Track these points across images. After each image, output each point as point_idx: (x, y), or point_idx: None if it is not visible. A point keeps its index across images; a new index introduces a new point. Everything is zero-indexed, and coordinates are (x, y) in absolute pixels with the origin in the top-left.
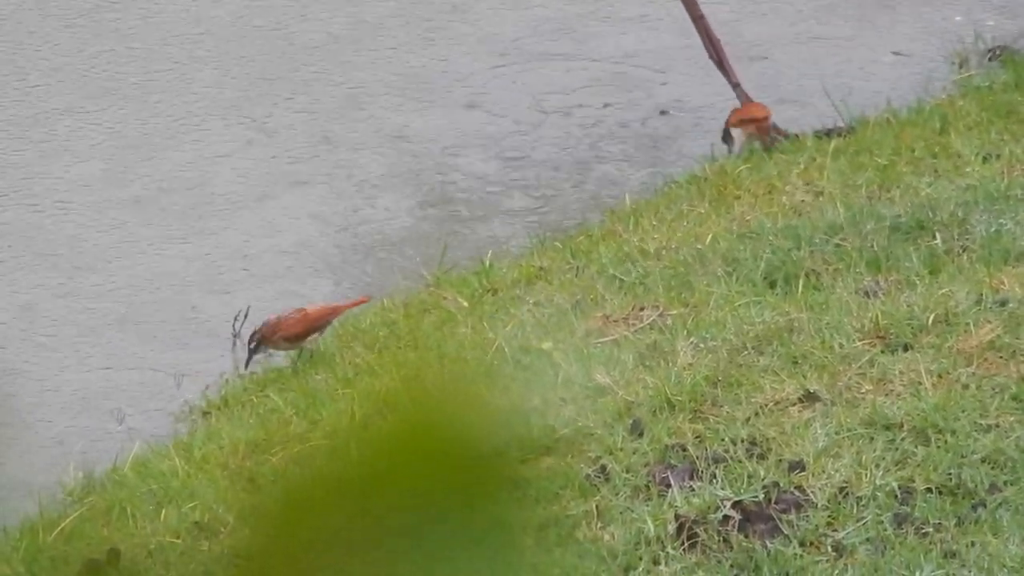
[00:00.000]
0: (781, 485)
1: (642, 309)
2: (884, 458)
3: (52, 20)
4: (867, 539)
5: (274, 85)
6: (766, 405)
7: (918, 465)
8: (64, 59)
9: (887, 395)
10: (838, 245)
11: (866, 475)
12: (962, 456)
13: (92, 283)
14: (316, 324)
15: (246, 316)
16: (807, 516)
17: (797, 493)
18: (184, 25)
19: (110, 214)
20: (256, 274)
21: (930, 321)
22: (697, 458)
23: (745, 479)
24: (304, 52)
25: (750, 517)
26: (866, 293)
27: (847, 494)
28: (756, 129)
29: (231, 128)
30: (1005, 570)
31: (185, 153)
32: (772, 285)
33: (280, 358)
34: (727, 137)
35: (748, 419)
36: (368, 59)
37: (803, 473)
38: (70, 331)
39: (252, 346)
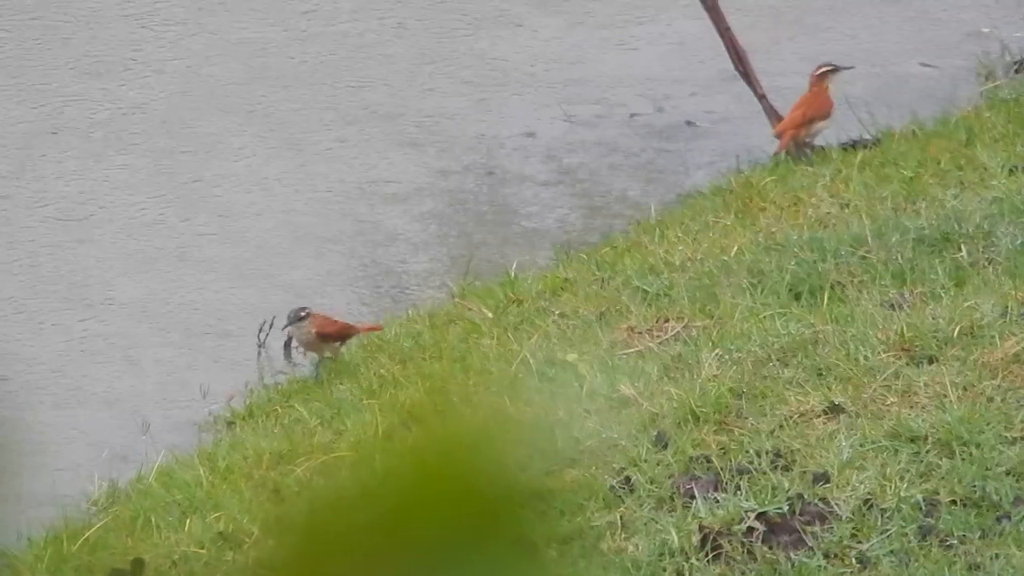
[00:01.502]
0: (805, 497)
1: (667, 321)
2: (909, 470)
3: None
4: (891, 551)
5: (293, 92)
6: (791, 417)
7: (943, 477)
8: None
9: (912, 407)
10: (863, 257)
11: (891, 487)
12: (987, 469)
13: (118, 293)
14: (346, 332)
15: (271, 326)
16: (831, 528)
17: (821, 505)
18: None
19: (138, 224)
20: (281, 284)
21: (955, 333)
22: (721, 470)
23: (769, 491)
24: (337, 59)
25: (774, 529)
26: (891, 305)
27: (872, 506)
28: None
29: (260, 138)
30: None
31: (214, 163)
32: (797, 297)
33: (304, 367)
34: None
35: (773, 431)
36: (387, 71)
37: (828, 485)
38: (96, 342)
39: (296, 316)
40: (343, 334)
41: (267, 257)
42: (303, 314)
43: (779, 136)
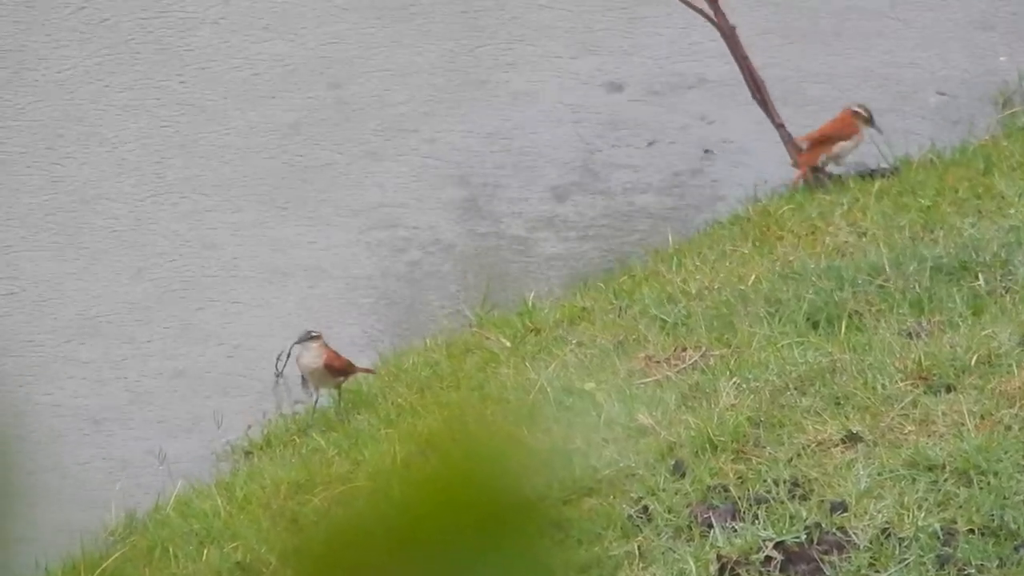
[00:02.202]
0: (823, 526)
1: (684, 350)
2: (926, 499)
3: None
4: None
5: (303, 115)
6: (808, 446)
7: (960, 506)
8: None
9: (929, 436)
10: (881, 286)
11: (908, 516)
12: (1005, 498)
13: (135, 323)
14: (348, 370)
15: (288, 356)
16: (849, 557)
17: (839, 534)
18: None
19: (156, 253)
20: (298, 313)
21: (973, 362)
22: (739, 499)
23: (787, 520)
24: (362, 93)
25: (792, 558)
26: (909, 334)
27: (889, 535)
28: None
29: (269, 163)
30: None
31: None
32: (815, 326)
33: (324, 399)
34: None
35: (790, 460)
36: (419, 97)
37: (845, 514)
38: (113, 372)
39: (307, 335)
40: (347, 371)
41: (285, 286)
42: (314, 333)
43: (797, 165)
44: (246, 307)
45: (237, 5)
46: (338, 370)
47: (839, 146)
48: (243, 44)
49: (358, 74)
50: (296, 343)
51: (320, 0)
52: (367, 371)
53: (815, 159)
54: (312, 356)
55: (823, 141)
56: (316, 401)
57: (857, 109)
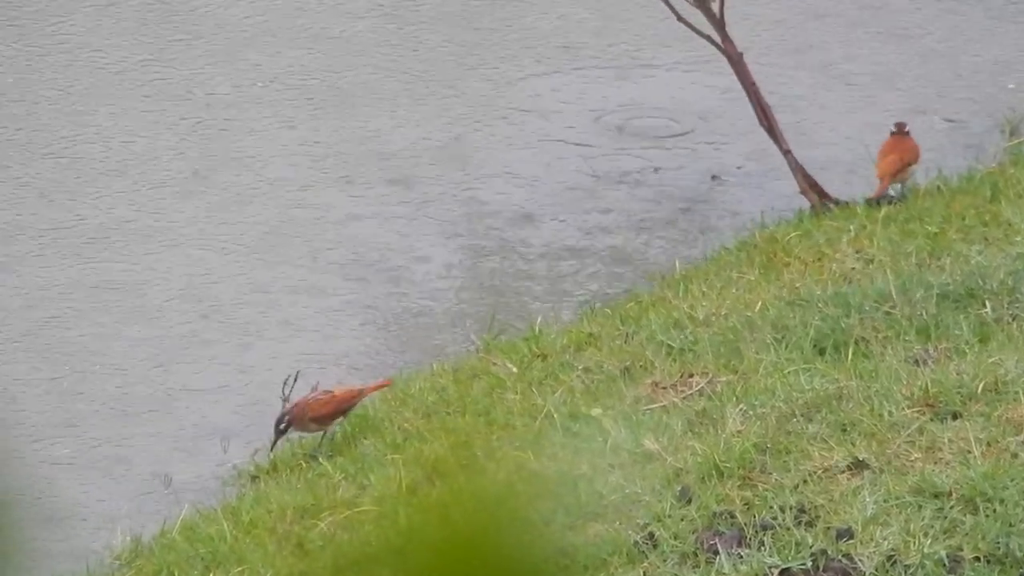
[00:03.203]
0: (829, 553)
1: (691, 376)
2: (932, 526)
3: None
4: None
5: (303, 134)
6: (815, 472)
7: (966, 534)
8: None
9: (936, 463)
10: (888, 313)
11: (914, 543)
12: (1010, 525)
13: (137, 345)
14: (343, 406)
15: (295, 380)
16: None
17: (845, 561)
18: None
19: (155, 272)
20: (305, 338)
21: (979, 389)
22: (745, 525)
23: (793, 546)
24: (333, 104)
25: None
26: (915, 361)
27: (895, 562)
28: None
29: (260, 181)
30: None
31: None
32: (821, 352)
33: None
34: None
35: (797, 486)
36: (413, 133)
37: (851, 541)
38: (116, 394)
39: (281, 427)
40: (337, 413)
41: (291, 309)
42: (287, 420)
43: (880, 179)
44: (253, 330)
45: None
46: (328, 416)
47: (910, 170)
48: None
49: (359, 96)
50: (284, 431)
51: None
52: (381, 386)
53: (895, 177)
54: (306, 423)
55: (901, 169)
56: (323, 438)
57: (907, 129)
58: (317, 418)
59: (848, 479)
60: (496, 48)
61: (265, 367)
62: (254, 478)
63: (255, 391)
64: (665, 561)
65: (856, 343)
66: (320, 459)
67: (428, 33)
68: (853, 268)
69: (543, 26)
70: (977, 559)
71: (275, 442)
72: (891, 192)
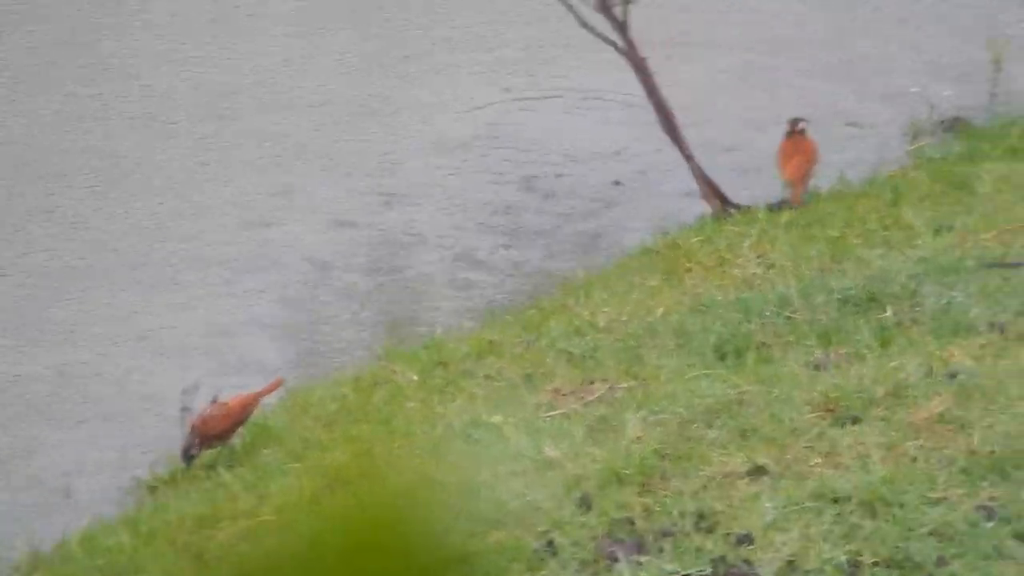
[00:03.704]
0: (728, 559)
1: (592, 382)
2: (832, 531)
3: None
4: None
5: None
6: (715, 478)
7: (866, 538)
8: None
9: (836, 468)
10: (789, 318)
11: (814, 549)
12: (910, 529)
13: (40, 357)
14: (241, 416)
15: (196, 390)
16: None
17: (745, 567)
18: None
19: (67, 287)
20: (204, 346)
21: (880, 394)
22: (645, 532)
23: (693, 553)
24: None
25: None
26: (816, 366)
27: (795, 568)
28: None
29: (172, 203)
30: None
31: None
32: (722, 358)
33: (236, 438)
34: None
35: (696, 492)
36: (323, 144)
37: (751, 547)
38: (18, 406)
39: (192, 454)
40: (236, 424)
41: (191, 323)
42: (194, 444)
43: (791, 184)
44: (153, 342)
45: None
46: (230, 428)
47: (813, 170)
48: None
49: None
50: (195, 457)
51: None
52: (273, 387)
53: (803, 191)
54: (210, 441)
55: (808, 170)
56: (220, 452)
57: (803, 124)
58: (218, 435)
59: (748, 485)
60: (397, 51)
61: (164, 376)
62: (153, 489)
63: (154, 402)
64: (565, 568)
65: (757, 348)
66: (220, 469)
67: (346, 46)
68: (754, 273)
69: (442, 32)
70: (876, 564)
71: (188, 466)
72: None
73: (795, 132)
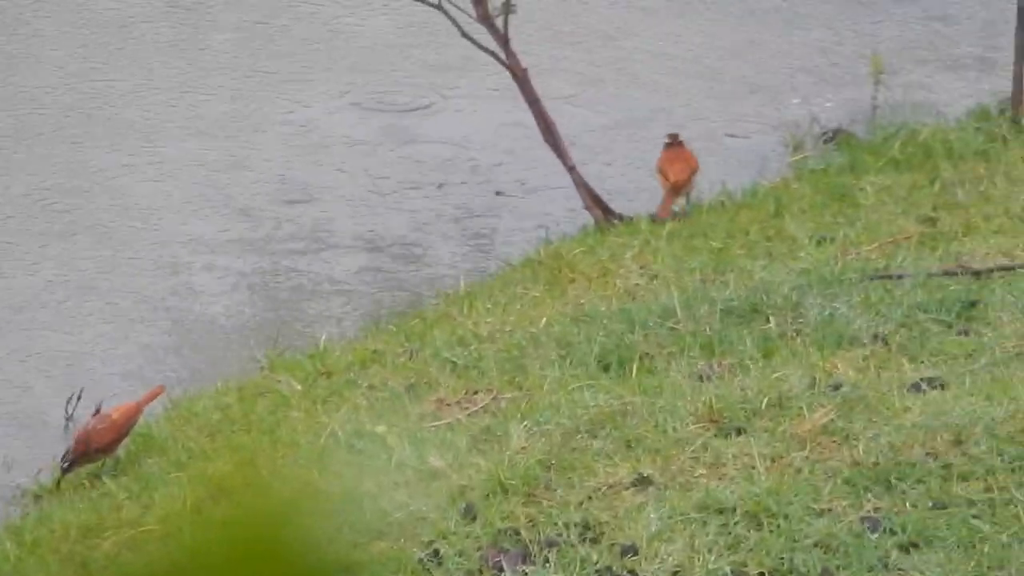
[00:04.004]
0: (614, 569)
1: (476, 393)
2: (717, 542)
3: None
4: None
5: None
6: (599, 489)
7: (751, 549)
8: None
9: (720, 479)
10: (672, 328)
11: (699, 559)
12: (795, 540)
13: None
14: (125, 427)
15: (79, 398)
16: None
17: None
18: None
19: None
20: (88, 356)
21: (764, 405)
22: (530, 542)
23: (578, 563)
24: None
25: None
26: (700, 377)
27: None
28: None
29: (46, 218)
30: None
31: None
32: (606, 368)
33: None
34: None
35: (581, 503)
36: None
37: (636, 557)
38: None
39: (65, 467)
40: (121, 436)
41: (74, 329)
42: (71, 459)
43: (674, 189)
44: (36, 349)
45: None
46: (116, 440)
47: (694, 180)
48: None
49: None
50: (67, 469)
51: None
52: (154, 395)
53: (684, 195)
54: (92, 455)
55: (691, 176)
56: (103, 465)
57: (680, 139)
58: (101, 448)
59: (633, 495)
60: (284, 65)
61: (46, 384)
62: (37, 497)
63: (37, 410)
64: None
65: (640, 359)
66: (104, 478)
67: (215, 51)
68: (637, 284)
69: (324, 44)
70: (761, 574)
71: (60, 480)
72: (675, 207)
73: (674, 143)
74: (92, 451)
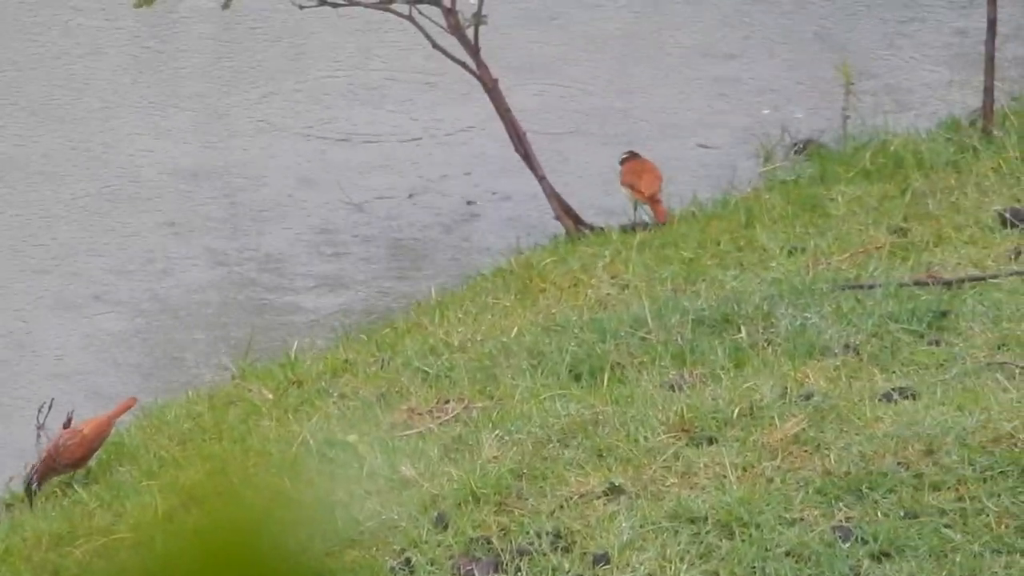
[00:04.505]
0: None
1: (447, 402)
2: (689, 551)
3: None
4: None
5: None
6: (571, 498)
7: (723, 559)
8: None
9: (692, 488)
10: (643, 338)
11: (671, 568)
12: (766, 550)
13: None
14: (96, 442)
15: (50, 408)
16: None
17: None
18: None
19: None
20: (60, 365)
21: (735, 415)
22: (502, 551)
23: (550, 572)
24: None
25: None
26: (671, 387)
27: None
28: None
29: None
30: None
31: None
32: (577, 378)
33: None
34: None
35: (553, 512)
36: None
37: (608, 566)
38: None
39: (35, 486)
40: (92, 451)
41: (43, 336)
42: (38, 475)
43: (651, 202)
44: (5, 357)
45: None
46: (86, 455)
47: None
48: None
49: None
50: (35, 485)
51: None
52: (126, 408)
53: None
54: (62, 468)
55: (660, 189)
56: (74, 475)
57: (637, 152)
58: (72, 462)
59: (604, 504)
60: (254, 70)
61: (15, 393)
62: (9, 506)
63: (9, 418)
64: None
65: (612, 368)
66: (76, 487)
67: (186, 58)
68: (608, 294)
69: (292, 49)
70: None
71: (32, 500)
72: (645, 217)
73: (631, 157)
74: (61, 466)
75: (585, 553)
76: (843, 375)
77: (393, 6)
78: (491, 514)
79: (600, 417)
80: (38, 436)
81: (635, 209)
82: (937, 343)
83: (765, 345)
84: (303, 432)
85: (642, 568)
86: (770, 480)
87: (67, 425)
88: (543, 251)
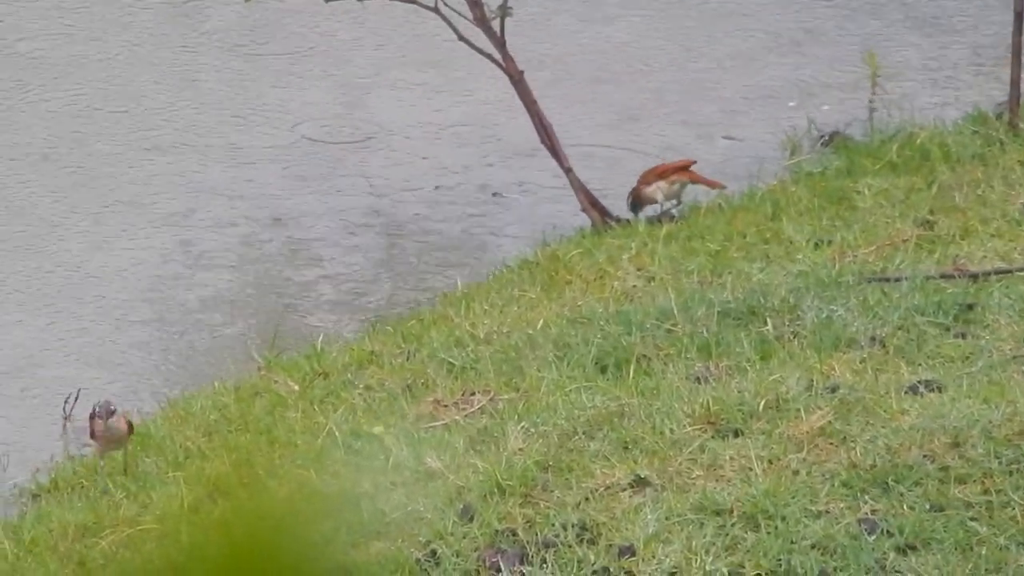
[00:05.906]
0: (611, 570)
1: (473, 394)
2: (714, 544)
3: None
4: None
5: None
6: (597, 490)
7: (748, 551)
8: None
9: (717, 481)
10: (669, 331)
11: (696, 560)
12: (792, 542)
13: None
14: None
15: (76, 399)
16: None
17: None
18: None
19: None
20: (87, 355)
21: (761, 407)
22: (527, 543)
23: (575, 564)
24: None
25: None
26: (697, 379)
27: None
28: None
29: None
30: None
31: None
32: (603, 370)
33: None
34: (636, 205)
35: (579, 504)
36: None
37: (633, 558)
38: None
39: (107, 411)
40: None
41: (71, 327)
42: (113, 408)
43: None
44: (33, 348)
45: None
46: (131, 428)
47: (685, 185)
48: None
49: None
50: (101, 420)
51: None
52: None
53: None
54: (114, 428)
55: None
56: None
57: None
58: (122, 437)
59: (630, 496)
60: (271, 65)
61: (46, 385)
62: (35, 496)
63: (35, 409)
64: None
65: (638, 361)
66: (103, 477)
67: (208, 56)
68: (634, 286)
69: (319, 43)
70: None
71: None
72: (673, 211)
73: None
74: (124, 430)
75: (611, 545)
76: (869, 368)
77: None
78: (517, 506)
79: (626, 409)
80: (64, 427)
81: (668, 203)
82: (963, 336)
83: (791, 337)
84: (329, 424)
85: (667, 560)
86: (796, 472)
87: (98, 416)
88: (569, 243)
